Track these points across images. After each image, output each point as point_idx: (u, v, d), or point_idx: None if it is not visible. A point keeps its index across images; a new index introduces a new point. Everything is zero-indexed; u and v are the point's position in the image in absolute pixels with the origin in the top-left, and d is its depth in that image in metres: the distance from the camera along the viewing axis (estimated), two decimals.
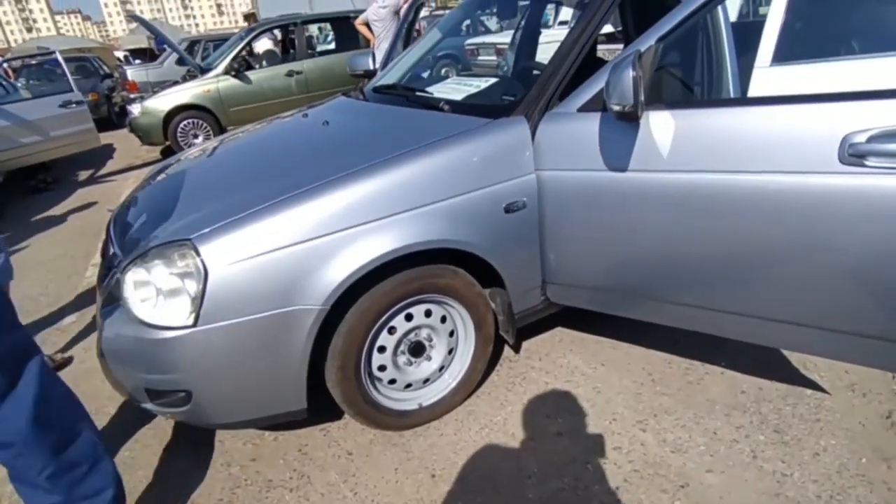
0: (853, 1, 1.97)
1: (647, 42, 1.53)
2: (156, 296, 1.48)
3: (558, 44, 1.80)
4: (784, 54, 1.81)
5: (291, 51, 7.35)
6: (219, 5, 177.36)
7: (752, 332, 1.59)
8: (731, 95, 2.01)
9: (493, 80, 2.11)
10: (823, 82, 1.77)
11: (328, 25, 9.85)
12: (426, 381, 1.84)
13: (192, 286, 1.43)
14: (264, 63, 6.90)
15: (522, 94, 1.82)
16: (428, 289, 1.68)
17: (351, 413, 1.72)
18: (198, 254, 1.42)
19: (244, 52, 6.65)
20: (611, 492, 1.54)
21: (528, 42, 2.93)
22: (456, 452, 1.73)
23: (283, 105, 6.68)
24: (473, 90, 2.06)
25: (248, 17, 9.27)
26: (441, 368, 1.85)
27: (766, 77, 1.83)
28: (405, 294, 1.64)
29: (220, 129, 6.55)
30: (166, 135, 6.38)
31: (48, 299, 3.21)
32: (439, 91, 2.13)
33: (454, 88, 2.14)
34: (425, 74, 2.88)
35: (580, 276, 1.82)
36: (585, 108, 1.64)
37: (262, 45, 7.06)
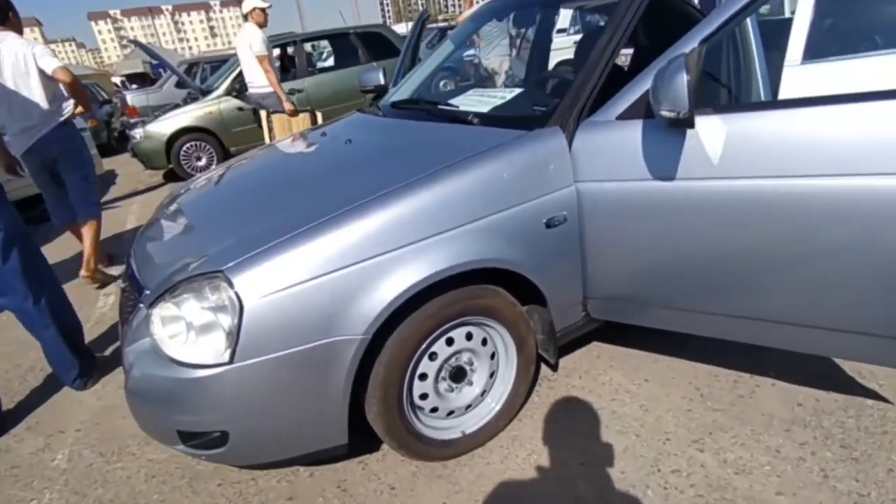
0: None
1: (691, 44, 1.47)
2: (186, 332, 1.40)
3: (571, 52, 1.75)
4: (815, 51, 1.75)
5: (292, 69, 7.33)
6: (211, 27, 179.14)
7: (817, 343, 1.51)
8: (763, 96, 1.96)
9: (517, 91, 2.05)
10: (858, 78, 1.71)
11: (322, 43, 9.91)
12: (468, 407, 1.75)
13: (227, 320, 1.35)
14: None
15: (553, 104, 1.76)
16: (469, 311, 1.60)
17: (394, 445, 1.63)
18: (231, 286, 1.34)
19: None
20: None
21: (539, 52, 2.89)
22: (506, 482, 1.64)
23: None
24: (499, 101, 2.00)
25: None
26: (483, 393, 1.76)
27: (798, 76, 1.77)
28: (446, 318, 1.56)
29: (223, 151, 6.51)
30: (169, 158, 6.34)
31: None
32: (462, 103, 2.06)
33: (478, 100, 2.07)
34: (444, 88, 2.83)
35: (624, 290, 1.74)
36: (625, 116, 1.58)
37: None
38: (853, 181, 1.26)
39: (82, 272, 3.55)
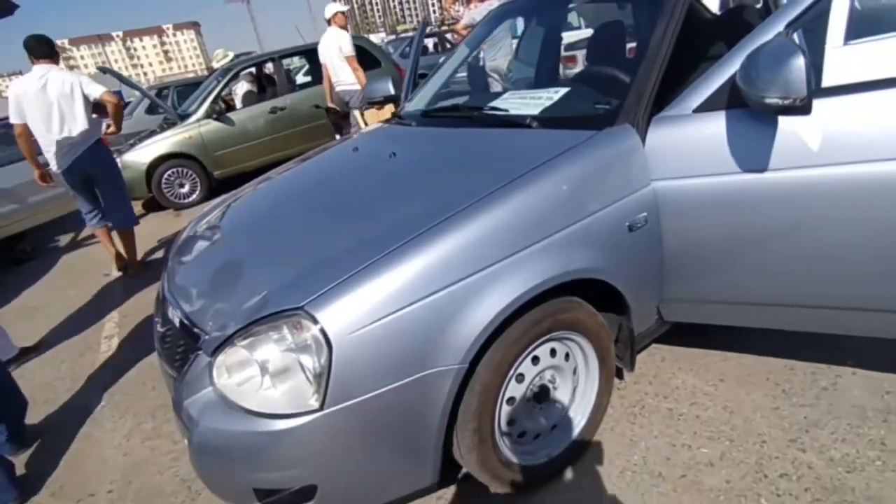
0: None
1: (775, 28, 1.40)
2: (261, 377, 1.25)
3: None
4: (859, 30, 1.71)
5: (269, 88, 7.14)
6: (165, 52, 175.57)
7: None
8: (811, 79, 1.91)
9: (562, 91, 1.95)
10: None
11: (295, 59, 9.72)
12: (553, 427, 1.64)
13: (312, 362, 1.21)
14: (240, 105, 6.63)
15: (615, 101, 1.68)
16: (556, 326, 1.49)
17: (486, 478, 1.50)
18: (315, 323, 1.20)
19: (223, 95, 6.42)
20: None
21: (551, 50, 2.82)
22: None
23: (270, 143, 6.47)
24: (548, 102, 1.90)
25: None
26: (566, 410, 1.66)
27: (842, 57, 1.73)
28: (535, 336, 1.45)
29: (206, 176, 6.26)
30: (150, 187, 6.06)
31: (65, 384, 2.88)
32: (508, 107, 1.96)
33: (521, 103, 1.98)
34: (473, 93, 2.73)
35: (706, 290, 1.66)
36: (703, 108, 1.50)
37: (242, 86, 6.81)
38: None
39: (130, 270, 4.24)
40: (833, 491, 1.44)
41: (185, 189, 6.23)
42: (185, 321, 1.51)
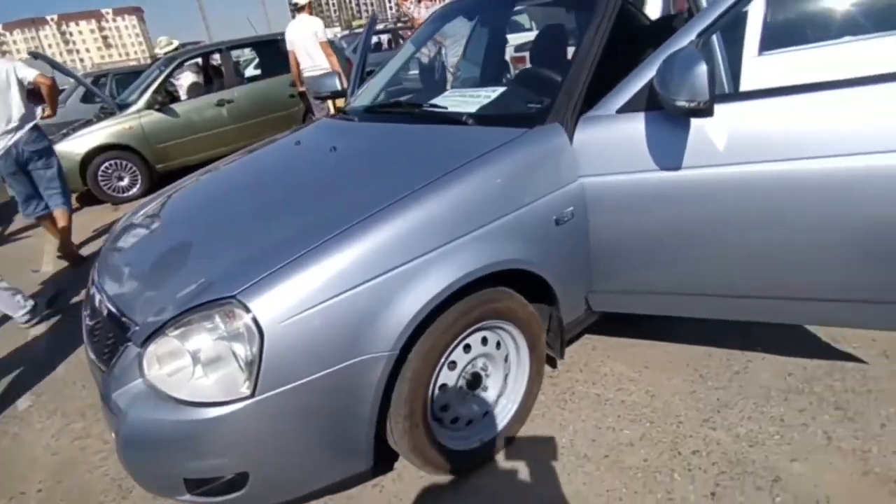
0: None
1: (687, 37, 1.51)
2: (192, 367, 1.26)
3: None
4: (771, 43, 1.87)
5: (216, 79, 6.93)
6: (105, 38, 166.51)
7: (807, 313, 1.61)
8: (726, 87, 2.07)
9: (500, 90, 2.03)
10: (819, 67, 1.84)
11: (245, 51, 9.47)
12: (486, 413, 1.71)
13: (244, 350, 1.22)
14: (184, 97, 6.41)
15: (546, 100, 1.76)
16: (487, 315, 1.56)
17: (419, 463, 1.55)
18: (248, 311, 1.22)
19: (167, 85, 6.19)
20: (709, 498, 1.49)
21: (496, 50, 2.90)
22: (537, 487, 1.61)
23: (216, 137, 6.29)
24: (485, 101, 1.97)
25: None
26: (498, 397, 1.73)
27: (757, 66, 1.89)
28: (466, 325, 1.51)
29: (147, 169, 6.03)
30: (85, 179, 5.78)
31: None
32: (446, 104, 2.02)
33: (460, 101, 2.04)
34: (415, 89, 2.77)
35: (629, 281, 1.78)
36: (626, 109, 1.60)
37: (186, 77, 6.58)
38: (853, 161, 1.35)
39: (57, 252, 4.19)
40: (737, 464, 1.58)
41: (125, 182, 5.97)
42: (115, 311, 1.48)
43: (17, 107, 3.58)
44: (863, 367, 1.86)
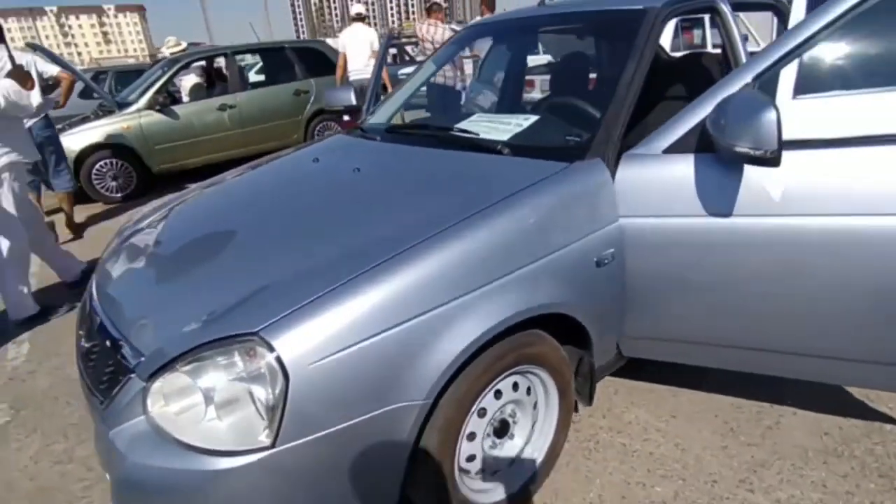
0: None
1: (742, 79, 1.44)
2: (204, 407, 1.13)
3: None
4: (807, 86, 1.81)
5: (220, 83, 6.83)
6: (105, 33, 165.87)
7: (869, 378, 1.53)
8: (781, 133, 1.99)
9: (532, 118, 1.95)
10: (861, 115, 1.78)
11: (248, 57, 9.36)
12: (511, 463, 1.59)
13: (266, 393, 1.10)
14: (186, 99, 6.28)
15: (585, 134, 1.68)
16: (521, 360, 1.45)
17: None
18: (271, 351, 1.10)
19: (169, 86, 6.06)
20: None
21: (516, 77, 2.84)
22: None
23: (216, 141, 6.16)
24: (516, 129, 1.88)
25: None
26: (524, 445, 1.61)
27: (793, 110, 1.83)
28: (500, 370, 1.41)
29: (143, 171, 5.87)
30: (78, 178, 5.59)
31: None
32: (475, 129, 1.93)
33: (489, 127, 1.95)
34: (443, 112, 2.68)
35: (666, 329, 1.68)
36: (673, 150, 1.53)
37: (189, 79, 6.46)
38: None
39: (67, 231, 4.71)
40: None
41: (118, 183, 5.80)
42: (116, 337, 1.35)
43: (36, 97, 3.52)
44: None
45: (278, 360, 1.09)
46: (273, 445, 1.09)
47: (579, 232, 1.49)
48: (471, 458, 1.46)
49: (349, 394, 1.15)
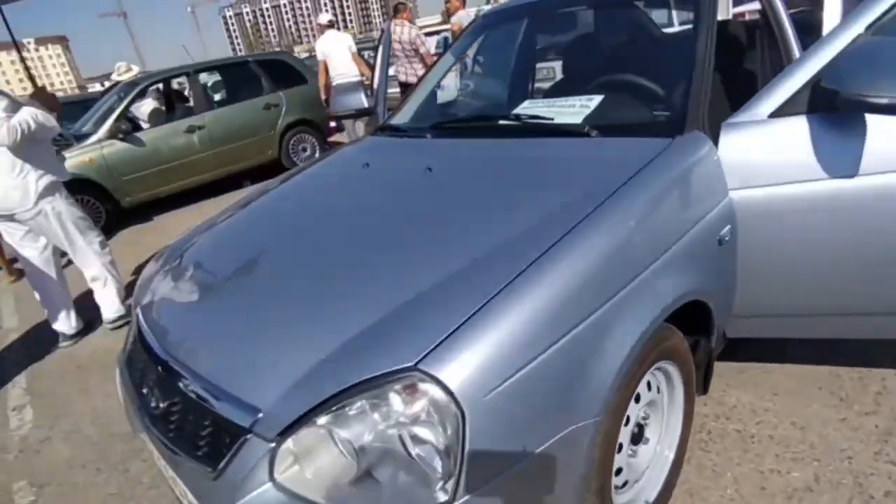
0: None
1: (855, 29, 1.36)
2: (356, 465, 0.94)
3: None
4: None
5: (179, 105, 6.44)
6: (27, 68, 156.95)
7: None
8: None
9: (595, 98, 1.81)
10: None
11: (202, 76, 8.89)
12: (646, 468, 1.46)
13: (436, 437, 0.92)
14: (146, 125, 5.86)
15: (673, 107, 1.57)
16: (660, 357, 1.32)
17: None
18: (438, 384, 0.92)
19: (128, 112, 5.66)
20: None
21: (525, 62, 2.71)
22: None
23: (188, 165, 5.81)
24: (584, 110, 1.75)
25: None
26: (656, 448, 1.48)
27: None
28: (642, 373, 1.27)
29: (112, 204, 5.46)
30: None
31: None
32: (547, 115, 1.78)
33: (554, 111, 1.81)
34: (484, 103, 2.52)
35: (782, 304, 1.58)
36: (780, 113, 1.43)
37: (147, 104, 6.04)
38: None
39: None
40: None
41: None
42: (212, 393, 1.13)
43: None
44: None
45: (449, 394, 0.92)
46: (453, 500, 0.91)
47: (702, 210, 1.37)
48: (618, 472, 1.32)
49: (523, 426, 0.99)
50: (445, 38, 9.53)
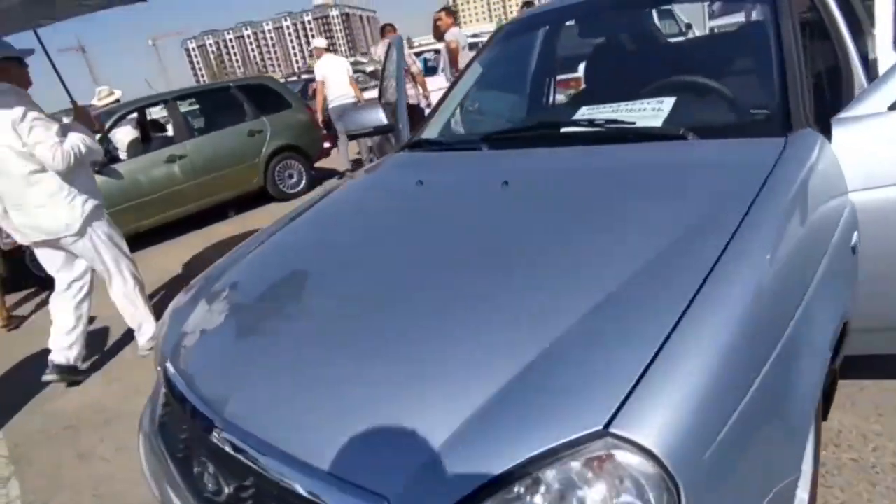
0: None
1: None
2: None
3: None
4: None
5: (158, 135, 6.11)
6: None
7: None
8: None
9: (667, 100, 1.66)
10: None
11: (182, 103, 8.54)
12: None
13: None
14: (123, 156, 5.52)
15: (772, 104, 1.43)
16: None
17: None
18: (641, 450, 0.71)
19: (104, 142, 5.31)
20: None
21: (545, 69, 2.58)
22: None
23: (170, 197, 5.47)
24: (659, 113, 1.59)
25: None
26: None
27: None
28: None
29: None
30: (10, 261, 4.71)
31: None
32: (632, 119, 1.61)
33: (623, 116, 1.64)
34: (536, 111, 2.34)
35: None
36: None
37: (124, 132, 5.70)
38: None
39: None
40: None
41: None
42: (317, 481, 0.87)
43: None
44: None
45: (658, 462, 0.70)
46: None
47: (837, 214, 1.22)
48: None
49: (734, 493, 0.78)
50: (425, 60, 9.49)
